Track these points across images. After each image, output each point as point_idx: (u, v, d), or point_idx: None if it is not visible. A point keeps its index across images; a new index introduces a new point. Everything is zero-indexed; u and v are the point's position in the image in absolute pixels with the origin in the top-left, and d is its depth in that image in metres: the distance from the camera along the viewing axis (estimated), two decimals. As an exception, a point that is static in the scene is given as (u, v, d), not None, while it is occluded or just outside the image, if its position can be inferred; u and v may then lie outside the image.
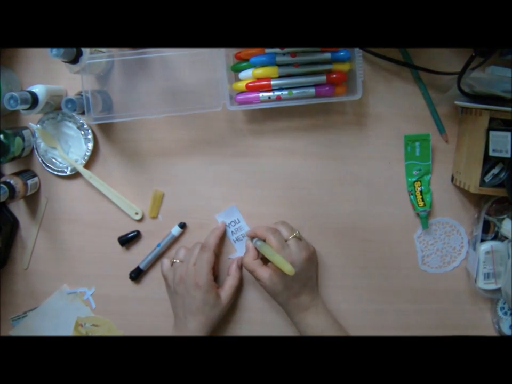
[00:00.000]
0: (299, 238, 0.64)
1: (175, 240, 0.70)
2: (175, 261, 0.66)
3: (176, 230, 0.69)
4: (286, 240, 0.63)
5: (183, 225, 0.69)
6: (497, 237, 0.67)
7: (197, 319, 0.63)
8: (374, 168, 0.68)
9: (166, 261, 0.68)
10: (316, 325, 0.64)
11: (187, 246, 0.68)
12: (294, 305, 0.64)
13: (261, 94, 0.62)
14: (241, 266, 0.68)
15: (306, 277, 0.64)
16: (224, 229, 0.69)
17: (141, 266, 0.69)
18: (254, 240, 0.65)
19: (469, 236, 0.69)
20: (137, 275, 0.70)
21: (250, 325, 0.71)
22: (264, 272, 0.63)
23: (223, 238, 0.69)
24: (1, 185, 0.61)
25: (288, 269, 0.57)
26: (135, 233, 0.70)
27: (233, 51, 0.63)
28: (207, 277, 0.63)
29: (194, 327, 0.63)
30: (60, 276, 0.72)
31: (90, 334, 0.72)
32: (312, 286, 0.66)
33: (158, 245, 0.69)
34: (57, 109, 0.67)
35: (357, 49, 0.61)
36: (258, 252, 0.65)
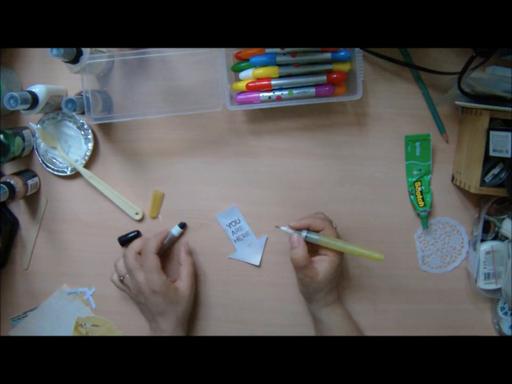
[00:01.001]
0: (335, 228, 0.64)
1: (175, 240, 0.70)
2: (121, 278, 0.65)
3: (176, 230, 0.69)
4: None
5: (183, 225, 0.69)
6: (498, 237, 0.67)
7: (167, 318, 0.63)
8: (374, 168, 0.68)
9: (115, 278, 0.66)
10: (342, 318, 0.65)
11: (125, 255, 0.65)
12: (327, 300, 0.64)
13: (261, 94, 0.62)
14: (189, 252, 0.68)
15: (341, 271, 0.65)
16: (165, 232, 0.67)
17: None
18: (305, 233, 0.61)
19: (469, 235, 0.69)
20: None
21: (251, 325, 0.71)
22: (316, 267, 0.60)
23: (223, 237, 0.69)
24: (1, 185, 0.61)
25: (379, 256, 0.56)
26: (135, 233, 0.70)
27: (233, 51, 0.63)
28: (160, 280, 0.62)
29: (167, 326, 0.63)
30: (60, 276, 0.72)
31: (90, 334, 0.72)
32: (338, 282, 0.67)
33: None
34: (57, 109, 0.67)
35: (357, 49, 0.61)
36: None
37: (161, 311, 0.63)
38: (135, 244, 0.65)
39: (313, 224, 0.61)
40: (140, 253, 0.64)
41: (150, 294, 0.62)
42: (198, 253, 0.70)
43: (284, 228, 0.62)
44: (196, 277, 0.69)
